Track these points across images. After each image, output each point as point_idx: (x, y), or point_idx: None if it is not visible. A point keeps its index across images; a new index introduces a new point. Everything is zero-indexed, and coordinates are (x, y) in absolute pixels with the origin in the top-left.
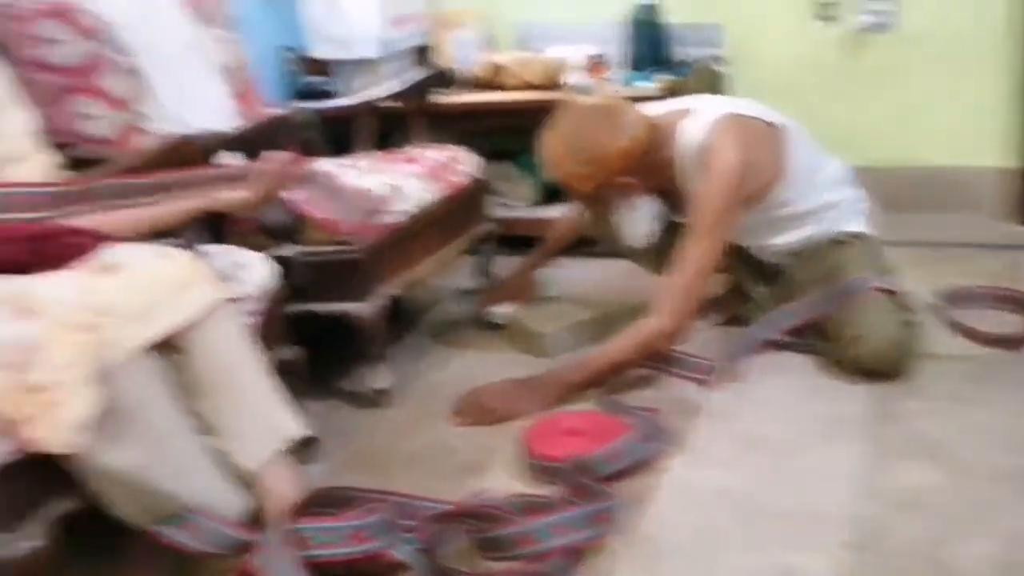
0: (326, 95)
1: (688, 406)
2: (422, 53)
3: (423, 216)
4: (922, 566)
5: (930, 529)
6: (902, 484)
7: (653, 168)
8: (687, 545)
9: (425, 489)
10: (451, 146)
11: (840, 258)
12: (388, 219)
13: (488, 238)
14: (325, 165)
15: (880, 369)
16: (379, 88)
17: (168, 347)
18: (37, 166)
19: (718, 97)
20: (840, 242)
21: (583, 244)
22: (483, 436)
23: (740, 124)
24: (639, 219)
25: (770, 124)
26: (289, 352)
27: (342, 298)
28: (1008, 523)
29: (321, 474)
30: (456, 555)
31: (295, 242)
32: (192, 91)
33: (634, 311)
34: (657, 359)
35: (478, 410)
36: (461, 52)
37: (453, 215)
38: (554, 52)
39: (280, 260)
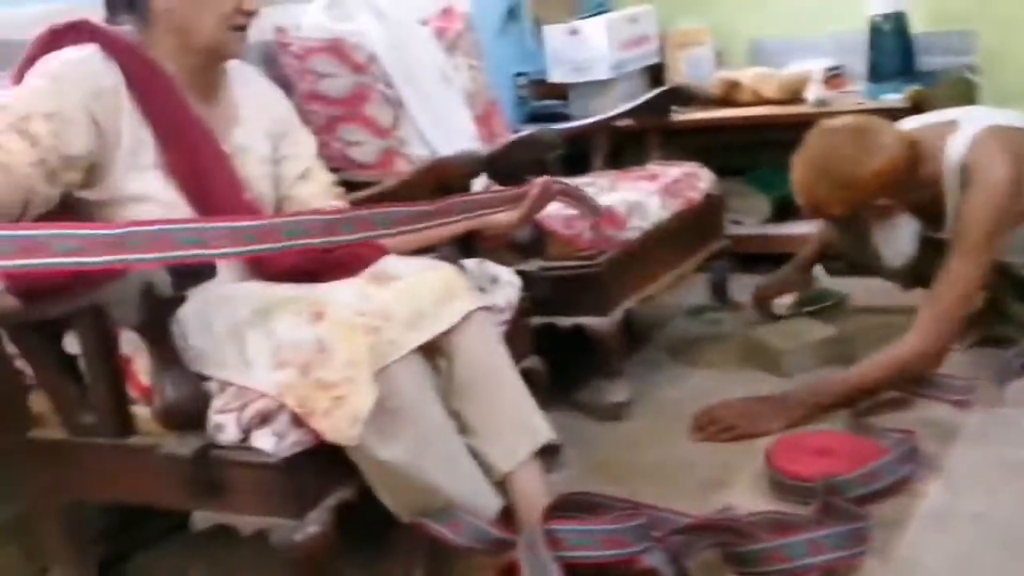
0: (560, 117)
1: (944, 429)
2: (655, 72)
3: (660, 232)
4: None
5: None
6: None
7: (913, 186)
8: (944, 573)
9: (666, 502)
10: (690, 163)
11: None
12: (627, 235)
13: (722, 255)
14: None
15: None
16: (614, 108)
17: (433, 351)
18: (321, 185)
19: (981, 108)
20: None
21: (830, 259)
22: (723, 452)
23: (1007, 137)
24: (897, 239)
25: None
26: (532, 362)
27: (582, 312)
28: None
29: (563, 482)
30: (702, 567)
31: (539, 257)
32: (443, 116)
33: (879, 331)
34: (912, 380)
35: (719, 426)
36: (694, 69)
37: (689, 231)
38: (792, 67)
39: (524, 274)
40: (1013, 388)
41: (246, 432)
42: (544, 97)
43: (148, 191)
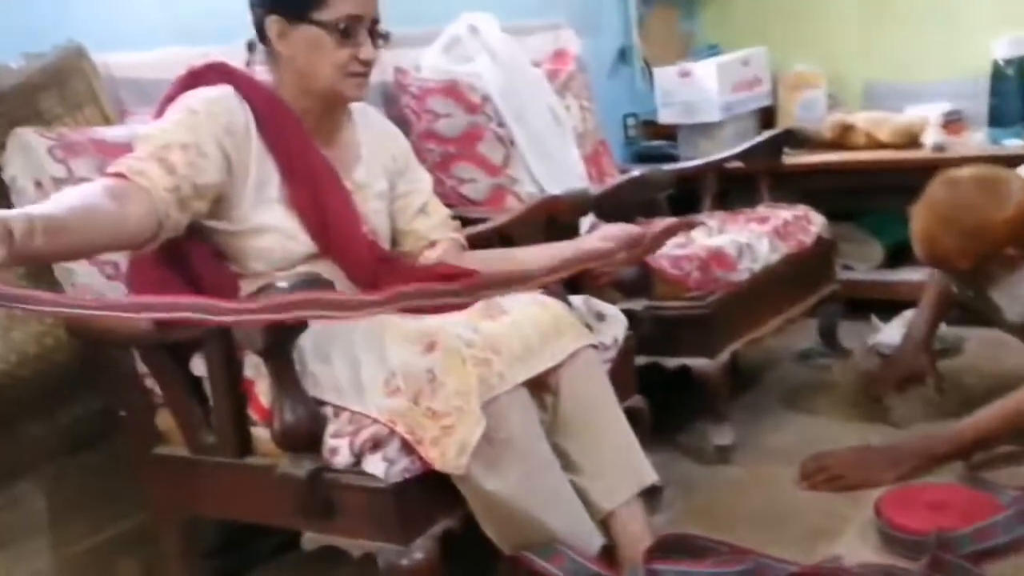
0: (669, 158)
1: None
2: (767, 114)
3: (769, 274)
4: None
5: None
6: None
7: None
8: None
9: (769, 549)
10: (801, 206)
11: None
12: (736, 276)
13: (832, 300)
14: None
15: None
16: (723, 150)
17: (540, 386)
18: (439, 218)
19: None
20: None
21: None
22: (830, 501)
23: None
24: (1020, 291)
25: None
26: (635, 402)
27: (688, 352)
28: None
29: (664, 524)
30: None
31: (646, 296)
32: (553, 155)
33: (995, 381)
34: None
35: (827, 474)
36: (807, 112)
37: (798, 275)
38: (908, 111)
39: (630, 312)
40: None
41: (358, 456)
42: (653, 138)
43: (271, 223)
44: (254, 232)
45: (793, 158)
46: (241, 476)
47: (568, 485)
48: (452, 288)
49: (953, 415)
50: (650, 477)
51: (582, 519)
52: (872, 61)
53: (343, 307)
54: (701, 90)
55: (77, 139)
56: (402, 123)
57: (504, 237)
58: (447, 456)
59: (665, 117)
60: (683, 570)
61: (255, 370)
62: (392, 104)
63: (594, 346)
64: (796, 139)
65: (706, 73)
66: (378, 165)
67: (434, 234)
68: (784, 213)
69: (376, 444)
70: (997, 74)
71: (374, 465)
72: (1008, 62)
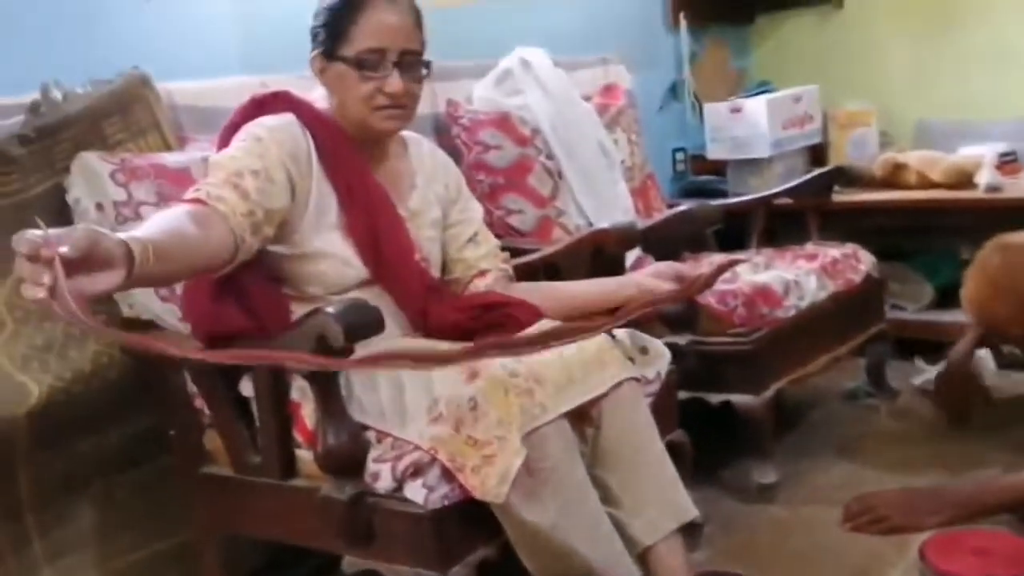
0: (718, 193)
1: None
2: (817, 151)
3: (817, 312)
4: None
5: None
6: None
7: None
8: None
9: None
10: (850, 244)
11: None
12: (782, 313)
13: (881, 339)
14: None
15: None
16: (772, 186)
17: (581, 418)
18: (489, 248)
19: None
20: None
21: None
22: (873, 544)
23: None
24: None
25: None
26: (678, 436)
27: (732, 388)
28: None
29: (704, 561)
30: None
31: (690, 330)
32: (600, 188)
33: None
34: None
35: (871, 516)
36: (858, 150)
37: (846, 313)
38: (961, 151)
39: (674, 347)
40: None
41: (399, 482)
42: (702, 173)
43: (328, 249)
44: (312, 257)
45: (843, 196)
46: (284, 497)
47: (607, 518)
48: (528, 339)
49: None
50: (690, 513)
51: (620, 553)
52: (924, 100)
53: (431, 359)
54: (751, 126)
55: (138, 164)
56: (453, 153)
57: (550, 268)
58: (487, 485)
59: (714, 152)
60: None
61: (301, 393)
62: (443, 135)
63: (636, 379)
64: (846, 177)
65: (756, 109)
66: (432, 194)
67: (483, 263)
68: (833, 251)
69: (417, 470)
70: None
71: (415, 491)
72: None
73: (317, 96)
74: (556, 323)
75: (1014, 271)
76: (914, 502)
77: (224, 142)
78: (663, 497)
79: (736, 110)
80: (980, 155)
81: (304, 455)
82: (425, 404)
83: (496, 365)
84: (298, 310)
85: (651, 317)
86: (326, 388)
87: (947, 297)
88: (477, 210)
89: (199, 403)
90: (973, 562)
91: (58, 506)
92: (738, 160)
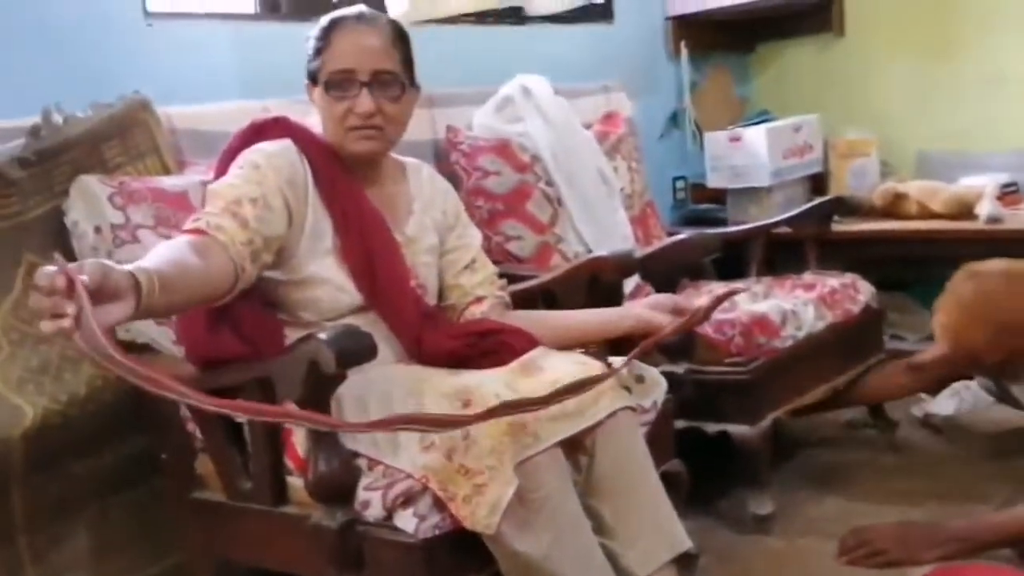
0: (717, 221)
1: None
2: (817, 180)
3: (814, 342)
4: None
5: None
6: None
7: None
8: None
9: None
10: (849, 274)
11: None
12: (779, 343)
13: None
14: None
15: None
16: (772, 215)
17: (575, 447)
18: (485, 275)
19: None
20: None
21: None
22: None
23: None
24: None
25: None
26: (673, 466)
27: (729, 418)
28: None
29: None
30: None
31: (687, 359)
32: (600, 216)
33: None
34: None
35: (868, 549)
36: (858, 179)
37: (844, 344)
38: (962, 181)
39: (670, 375)
40: None
41: (390, 511)
42: (703, 201)
43: (323, 274)
44: (306, 283)
45: (842, 226)
46: (275, 524)
47: (599, 549)
48: (538, 399)
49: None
50: (684, 544)
51: None
52: (925, 130)
53: (443, 423)
54: (751, 155)
55: (137, 187)
56: (452, 179)
57: (548, 295)
58: (478, 515)
59: (714, 181)
60: None
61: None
62: (443, 160)
63: (632, 408)
64: (845, 207)
65: (756, 139)
66: (429, 220)
67: (479, 290)
68: (832, 281)
69: (408, 499)
70: None
71: (405, 520)
72: None
73: (313, 122)
74: (550, 351)
75: (987, 298)
76: (911, 536)
77: (222, 167)
78: (657, 528)
79: (736, 139)
80: (981, 186)
81: (295, 482)
82: (417, 433)
83: (489, 393)
84: (292, 335)
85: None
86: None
87: None
88: (475, 237)
89: (191, 427)
90: None
91: (52, 529)
92: (738, 189)
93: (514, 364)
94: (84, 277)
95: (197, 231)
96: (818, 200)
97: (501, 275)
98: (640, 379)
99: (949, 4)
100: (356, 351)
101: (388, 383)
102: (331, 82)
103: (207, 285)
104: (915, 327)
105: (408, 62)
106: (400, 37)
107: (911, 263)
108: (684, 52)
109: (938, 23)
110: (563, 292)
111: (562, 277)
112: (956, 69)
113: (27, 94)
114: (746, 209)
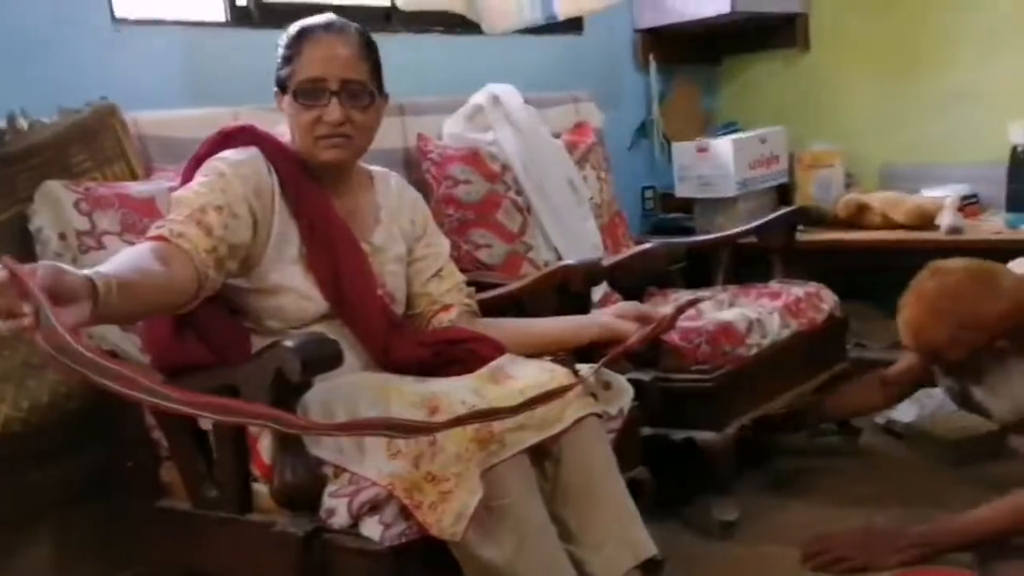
0: (685, 231)
1: None
2: (783, 191)
3: (779, 350)
4: None
5: None
6: None
7: None
8: None
9: None
10: (813, 283)
11: None
12: (744, 351)
13: (843, 378)
14: (684, 297)
15: None
16: (739, 224)
17: (541, 454)
18: (454, 283)
19: None
20: None
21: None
22: None
23: None
24: (1010, 386)
25: None
26: (639, 473)
27: (694, 425)
28: None
29: None
30: None
31: (654, 367)
32: (569, 224)
33: None
34: None
35: (831, 555)
36: (823, 191)
37: (809, 352)
38: (924, 193)
39: (637, 383)
40: None
41: (356, 518)
42: (670, 210)
43: (288, 283)
44: (271, 291)
45: (807, 235)
46: (241, 532)
47: (565, 555)
48: (507, 408)
49: None
50: (649, 550)
51: None
52: (890, 143)
53: (410, 429)
54: (718, 166)
55: (103, 193)
56: (422, 188)
57: (517, 303)
58: (443, 522)
59: (682, 191)
60: None
61: (259, 427)
62: (413, 169)
63: (598, 415)
64: (810, 217)
65: (723, 150)
66: (397, 229)
67: (447, 298)
68: (796, 290)
69: (374, 507)
70: (1015, 160)
71: (371, 528)
72: None
73: (283, 131)
74: (517, 359)
75: (952, 292)
76: (874, 541)
77: (188, 174)
78: (622, 534)
79: (703, 150)
80: (942, 197)
81: (261, 489)
82: (383, 440)
83: (456, 400)
84: (259, 343)
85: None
86: None
87: None
88: (444, 245)
89: (157, 435)
90: None
91: (12, 537)
92: (705, 199)
93: (482, 371)
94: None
95: (160, 238)
96: (783, 210)
97: (470, 283)
98: (607, 386)
99: (912, 22)
100: (322, 359)
101: (354, 390)
102: (301, 91)
103: (168, 292)
104: (878, 335)
105: (377, 71)
106: (368, 46)
107: (874, 272)
108: (652, 64)
109: (901, 40)
110: (532, 300)
111: (531, 285)
112: (919, 84)
113: None
114: (713, 219)
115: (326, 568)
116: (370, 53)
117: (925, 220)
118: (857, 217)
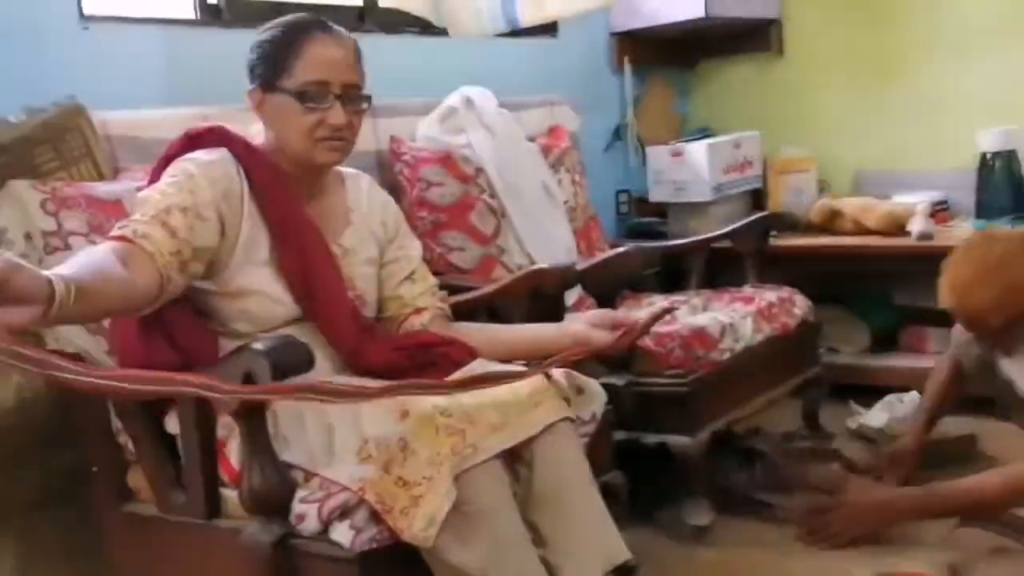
0: (659, 235)
1: None
2: (757, 196)
3: (752, 355)
4: None
5: None
6: None
7: None
8: None
9: None
10: (787, 288)
11: None
12: (717, 356)
13: (816, 383)
14: (658, 301)
15: None
16: (713, 229)
17: (514, 458)
18: (426, 286)
19: None
20: None
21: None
22: None
23: None
24: None
25: None
26: (613, 477)
27: (668, 430)
28: None
29: None
30: None
31: (627, 371)
32: (543, 228)
33: None
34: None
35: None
36: (796, 196)
37: (782, 357)
38: (896, 199)
39: (610, 387)
40: None
41: (326, 524)
42: (644, 215)
43: (257, 286)
44: (239, 294)
45: (780, 240)
46: (208, 538)
47: (537, 560)
48: (446, 384)
49: None
50: (622, 555)
51: None
52: (863, 149)
53: (341, 394)
54: (692, 171)
55: (70, 193)
56: (395, 190)
57: (490, 307)
58: (415, 527)
59: (656, 195)
60: None
61: (227, 430)
62: (386, 171)
63: (571, 420)
64: (783, 222)
65: (697, 154)
66: (367, 231)
67: (419, 301)
68: (769, 294)
69: (344, 512)
70: (984, 167)
71: (341, 533)
72: (995, 155)
73: (254, 132)
74: (489, 364)
75: (1001, 256)
76: (864, 514)
77: (156, 175)
78: (595, 539)
79: (678, 154)
80: (914, 204)
81: (229, 494)
82: (354, 444)
83: (428, 403)
84: (227, 346)
85: (588, 357)
86: (253, 425)
87: (882, 341)
88: (416, 248)
89: (123, 439)
90: None
91: None
92: (679, 203)
93: (455, 375)
94: None
95: (123, 238)
96: (757, 215)
97: (443, 286)
98: (580, 391)
99: (885, 28)
100: (292, 362)
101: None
102: (305, 93)
103: (128, 295)
104: (851, 340)
105: (364, 76)
106: (359, 52)
107: (846, 277)
108: (628, 67)
109: (874, 46)
110: (505, 304)
111: (504, 289)
112: (892, 92)
113: None
114: (687, 223)
115: (296, 574)
116: (360, 56)
117: (896, 226)
118: (829, 222)
